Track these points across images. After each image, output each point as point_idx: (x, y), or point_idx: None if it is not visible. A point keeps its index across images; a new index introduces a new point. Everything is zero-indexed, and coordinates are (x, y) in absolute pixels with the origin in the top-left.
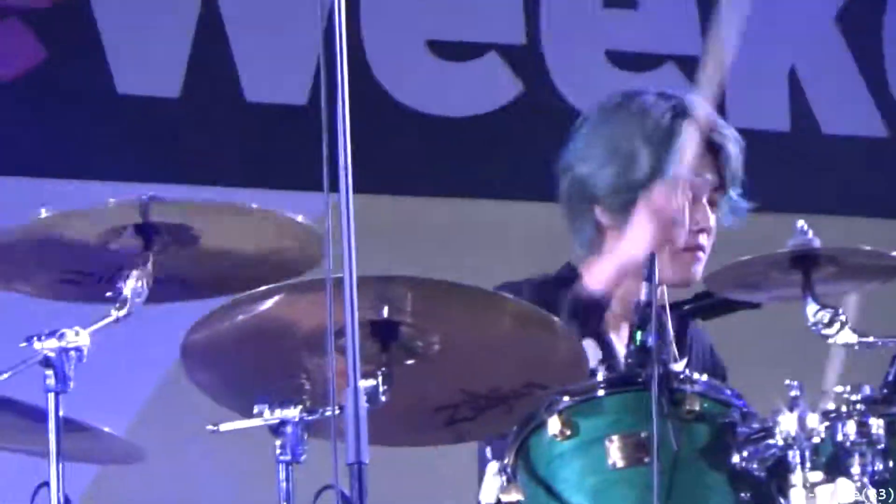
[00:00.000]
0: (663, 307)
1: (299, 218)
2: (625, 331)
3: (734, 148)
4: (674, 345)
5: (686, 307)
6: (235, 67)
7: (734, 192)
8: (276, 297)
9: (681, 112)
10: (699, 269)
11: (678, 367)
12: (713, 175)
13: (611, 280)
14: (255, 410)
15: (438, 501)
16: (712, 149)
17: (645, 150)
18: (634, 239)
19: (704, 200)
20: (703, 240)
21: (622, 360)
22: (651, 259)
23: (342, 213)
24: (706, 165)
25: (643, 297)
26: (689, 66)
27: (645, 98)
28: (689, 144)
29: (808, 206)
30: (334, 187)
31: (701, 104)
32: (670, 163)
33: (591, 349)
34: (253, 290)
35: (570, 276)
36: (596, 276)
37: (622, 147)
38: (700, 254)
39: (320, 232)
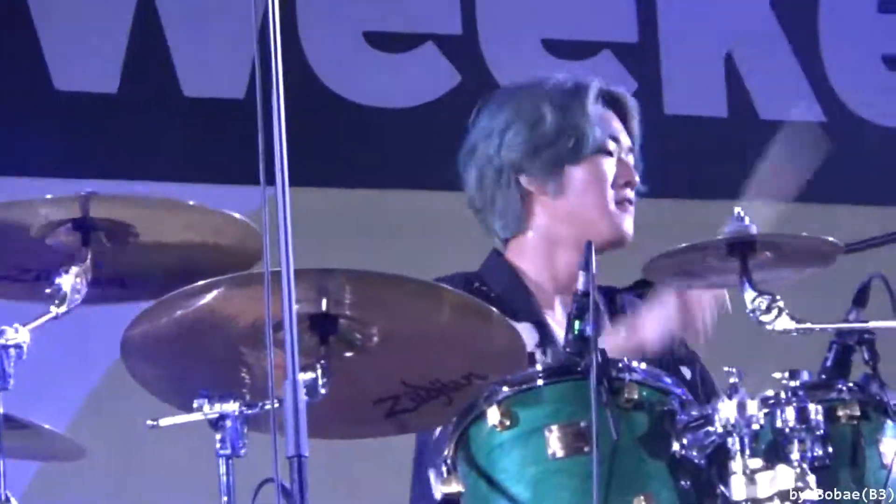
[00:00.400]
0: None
1: (236, 215)
2: (560, 309)
3: (636, 112)
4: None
5: (623, 293)
6: (172, 62)
7: (639, 161)
8: (215, 292)
9: (581, 79)
10: (630, 225)
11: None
12: (625, 134)
13: (539, 255)
14: (195, 405)
15: (378, 493)
16: (619, 109)
17: (549, 107)
18: (569, 205)
19: (624, 156)
20: (631, 193)
21: (559, 340)
22: (588, 247)
23: (279, 206)
24: (617, 124)
25: (580, 285)
26: (625, 53)
27: (539, 77)
28: (600, 101)
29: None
30: (271, 181)
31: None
32: (586, 115)
33: (527, 332)
34: (192, 285)
35: (497, 263)
36: (523, 254)
37: (524, 108)
38: (630, 207)
39: (258, 227)
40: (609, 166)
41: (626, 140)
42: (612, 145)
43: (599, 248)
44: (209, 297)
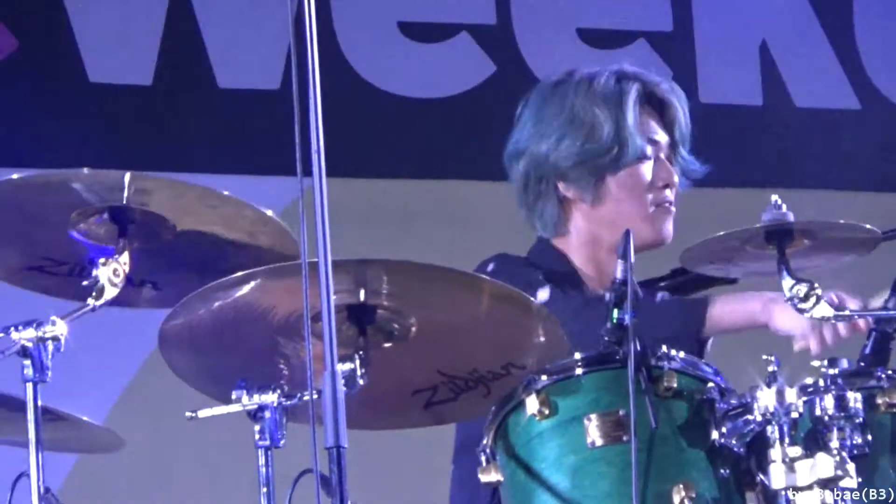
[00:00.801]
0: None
1: (269, 212)
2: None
3: (680, 104)
4: None
5: (661, 284)
6: (207, 54)
7: (684, 151)
8: (253, 283)
9: (622, 74)
10: (670, 227)
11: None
12: (663, 132)
13: (583, 253)
14: (234, 396)
15: (417, 484)
16: (660, 106)
17: (602, 113)
18: (608, 213)
19: (663, 156)
20: (670, 194)
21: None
22: (626, 236)
23: (316, 196)
24: (656, 123)
25: (618, 274)
26: (660, 42)
27: (581, 72)
28: (638, 103)
29: (782, 180)
30: (308, 171)
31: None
32: (627, 124)
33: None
34: (229, 276)
35: (546, 248)
36: (568, 249)
37: (579, 116)
38: (670, 207)
39: (290, 226)
40: (647, 170)
41: (663, 138)
42: (649, 149)
43: (639, 249)
44: (247, 288)
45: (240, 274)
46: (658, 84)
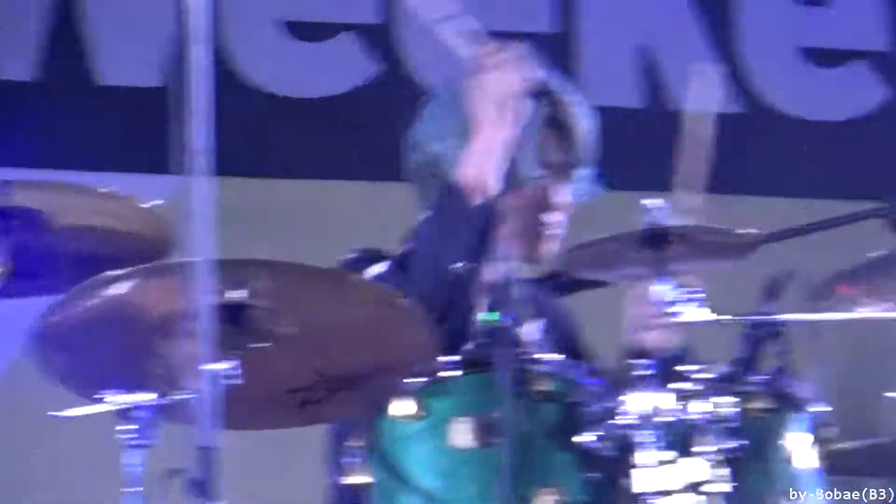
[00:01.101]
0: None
1: (147, 204)
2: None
3: (586, 125)
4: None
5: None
6: (88, 51)
7: (586, 170)
8: (129, 282)
9: (533, 92)
10: (555, 246)
11: (530, 329)
12: (565, 152)
13: None
14: (107, 396)
15: (289, 484)
16: (565, 126)
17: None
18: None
19: (553, 180)
20: (555, 218)
21: None
22: (504, 240)
23: (196, 195)
24: (558, 143)
25: (495, 276)
26: (543, 44)
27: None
28: (542, 124)
29: (661, 184)
30: (189, 170)
31: (552, 81)
32: (525, 141)
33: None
34: (104, 274)
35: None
36: None
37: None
38: (556, 232)
39: (169, 217)
40: (533, 194)
41: (558, 160)
42: (539, 173)
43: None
44: (123, 287)
45: (115, 272)
46: (565, 106)
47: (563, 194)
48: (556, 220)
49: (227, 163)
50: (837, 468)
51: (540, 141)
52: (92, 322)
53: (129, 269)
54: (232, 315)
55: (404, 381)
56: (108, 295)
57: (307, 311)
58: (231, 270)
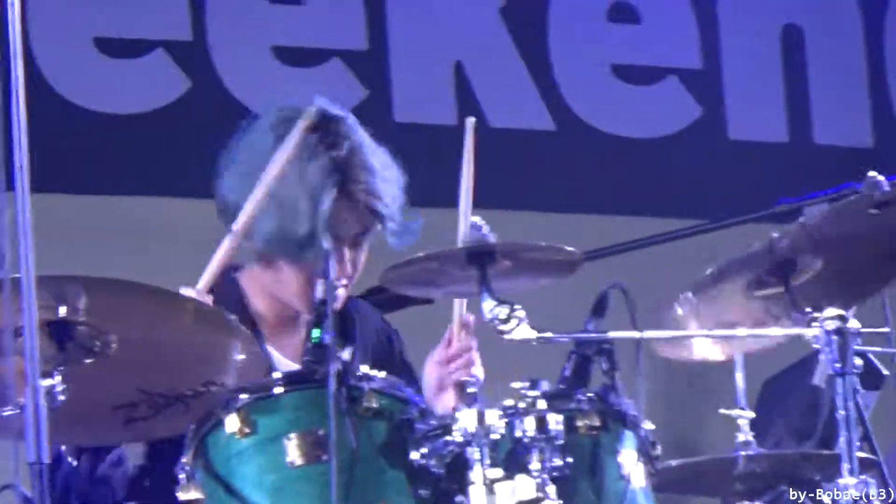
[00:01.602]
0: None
1: None
2: (286, 340)
3: (388, 195)
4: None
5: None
6: None
7: (394, 224)
8: None
9: (340, 164)
10: (337, 305)
11: (344, 355)
12: (356, 224)
13: (263, 297)
14: None
15: None
16: (355, 198)
17: (304, 208)
18: (276, 283)
19: (346, 250)
20: (341, 289)
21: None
22: (326, 254)
23: (18, 212)
24: (350, 215)
25: (319, 294)
26: (354, 60)
27: (307, 138)
28: (339, 198)
29: (482, 200)
30: (10, 186)
31: (359, 151)
32: (321, 223)
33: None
34: None
35: (228, 286)
36: (253, 280)
37: (285, 202)
38: (338, 295)
39: None
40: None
41: (353, 230)
42: (331, 251)
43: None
44: None
45: None
46: (364, 181)
47: (355, 260)
48: (344, 282)
49: (47, 179)
50: (663, 486)
51: (332, 213)
52: None
53: None
54: (55, 331)
55: (232, 397)
56: None
57: (130, 329)
58: (51, 287)
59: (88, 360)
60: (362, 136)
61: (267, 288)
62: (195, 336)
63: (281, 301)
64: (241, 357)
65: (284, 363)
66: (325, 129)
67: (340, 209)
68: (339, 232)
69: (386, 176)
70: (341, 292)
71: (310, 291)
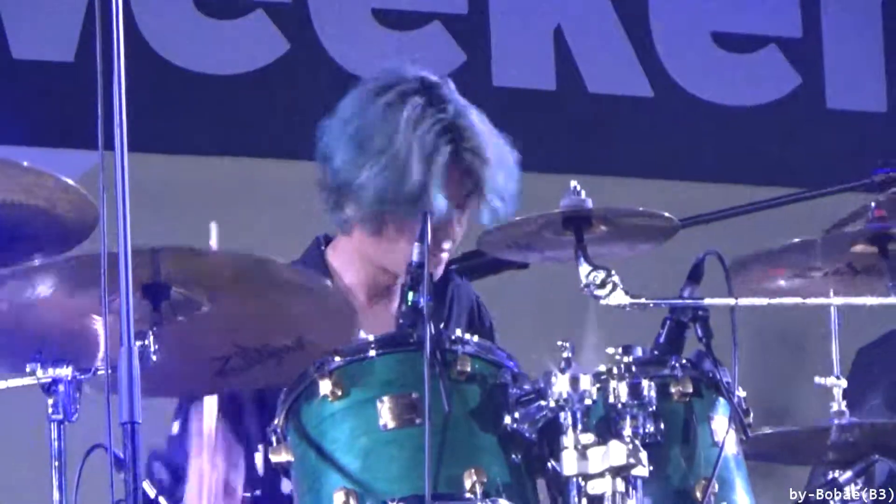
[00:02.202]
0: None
1: (70, 181)
2: (371, 319)
3: (495, 167)
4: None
5: (454, 266)
6: (2, 24)
7: (494, 201)
8: (50, 277)
9: (448, 126)
10: (439, 271)
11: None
12: (465, 189)
13: (354, 264)
14: (28, 369)
15: None
16: (471, 163)
17: (417, 167)
18: (381, 250)
19: (455, 215)
20: (445, 248)
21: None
22: (424, 217)
23: (117, 171)
24: (460, 181)
25: (414, 257)
26: (455, 24)
27: (414, 102)
28: (451, 162)
29: (580, 166)
30: (110, 146)
31: (466, 114)
32: (434, 182)
33: None
34: (27, 265)
35: (315, 258)
36: (341, 255)
37: (395, 160)
38: (442, 256)
39: (92, 194)
40: (433, 228)
41: (462, 194)
42: (444, 208)
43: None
44: (43, 283)
45: (36, 264)
46: (475, 147)
47: (453, 234)
48: (442, 249)
49: (145, 138)
50: (755, 453)
51: (444, 171)
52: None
53: (48, 262)
54: (150, 293)
55: (325, 359)
56: (30, 286)
57: (223, 295)
58: (147, 255)
59: (182, 318)
60: (464, 101)
61: (368, 257)
62: (288, 299)
63: (384, 269)
64: (334, 315)
65: None
66: (429, 94)
67: (452, 168)
68: (450, 191)
69: (492, 141)
70: (445, 256)
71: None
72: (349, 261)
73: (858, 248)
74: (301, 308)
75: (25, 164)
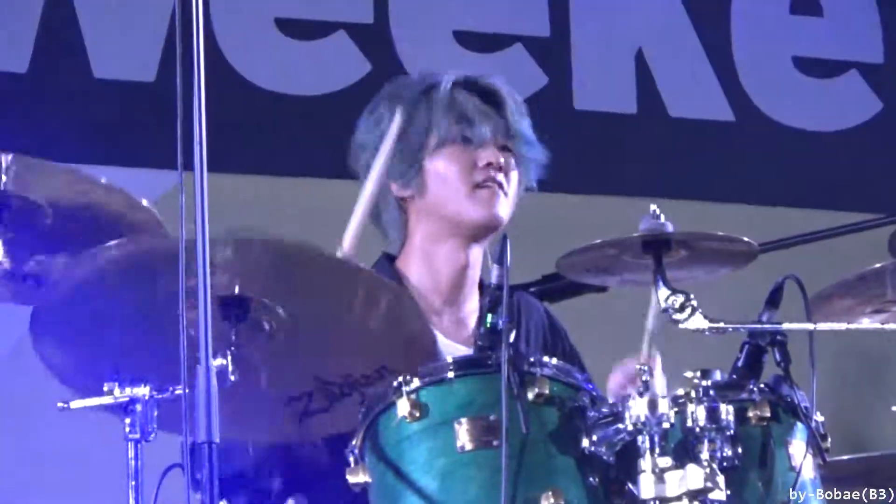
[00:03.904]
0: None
1: (144, 202)
2: (446, 319)
3: (507, 94)
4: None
5: (532, 289)
6: (84, 43)
7: (523, 144)
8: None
9: (438, 76)
10: (500, 206)
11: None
12: (487, 118)
13: (422, 261)
14: (105, 388)
15: None
16: (484, 95)
17: (399, 108)
18: (432, 200)
19: (490, 142)
20: (500, 177)
21: (443, 350)
22: (503, 241)
23: (197, 191)
24: (478, 109)
25: (493, 279)
26: (536, 47)
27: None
28: (453, 90)
29: (659, 190)
30: (189, 166)
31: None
32: (437, 107)
33: None
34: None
35: (385, 269)
36: (410, 262)
37: (375, 117)
38: (496, 188)
39: (162, 214)
40: (464, 152)
41: (487, 123)
42: (467, 131)
43: (473, 234)
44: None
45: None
46: (482, 77)
47: (499, 155)
48: (492, 175)
49: (225, 159)
50: (833, 480)
51: (458, 104)
52: (91, 316)
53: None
54: (229, 309)
55: (404, 381)
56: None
57: (305, 300)
58: (230, 251)
59: (260, 337)
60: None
61: (437, 215)
62: (368, 308)
63: (458, 224)
64: (414, 337)
65: (445, 343)
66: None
67: (461, 101)
68: (466, 118)
69: (508, 89)
70: (494, 173)
71: (467, 183)
72: (416, 261)
73: None
74: (381, 323)
75: (104, 180)
